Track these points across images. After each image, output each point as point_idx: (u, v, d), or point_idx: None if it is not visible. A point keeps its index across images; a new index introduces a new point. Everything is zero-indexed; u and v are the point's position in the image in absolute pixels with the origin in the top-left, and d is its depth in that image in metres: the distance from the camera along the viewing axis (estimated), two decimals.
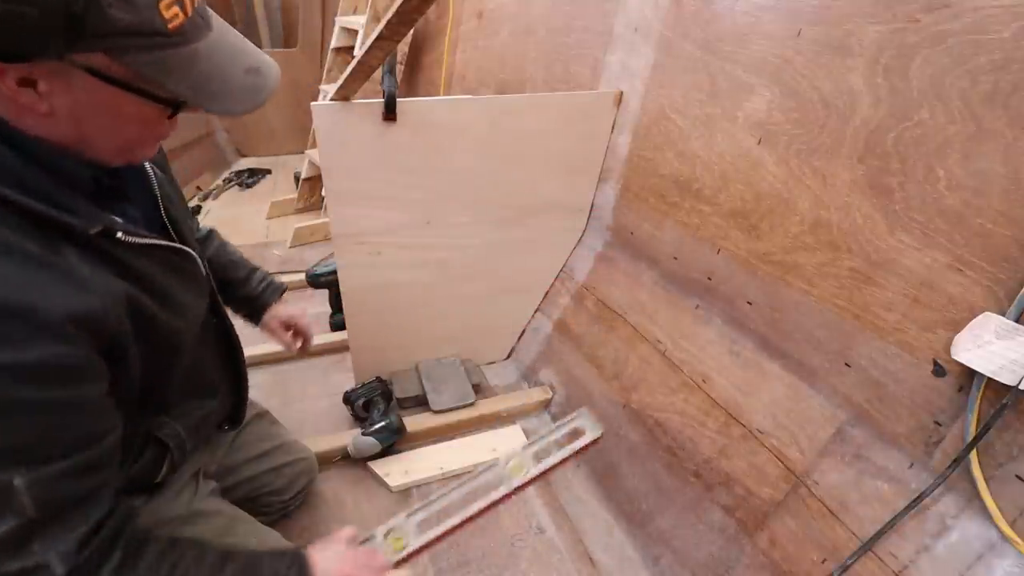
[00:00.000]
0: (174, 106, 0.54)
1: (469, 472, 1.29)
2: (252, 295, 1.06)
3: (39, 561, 0.50)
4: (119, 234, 0.56)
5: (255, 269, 1.08)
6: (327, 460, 1.31)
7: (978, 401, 0.71)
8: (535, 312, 1.67)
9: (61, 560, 0.51)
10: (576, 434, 1.33)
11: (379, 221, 1.26)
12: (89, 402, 0.53)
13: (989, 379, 0.68)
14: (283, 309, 1.09)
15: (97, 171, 0.58)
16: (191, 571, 0.61)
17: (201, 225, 1.03)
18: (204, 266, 0.77)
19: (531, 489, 1.30)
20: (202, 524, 0.82)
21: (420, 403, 1.49)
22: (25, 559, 0.49)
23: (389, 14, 0.85)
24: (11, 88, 0.46)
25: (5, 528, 0.47)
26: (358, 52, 1.56)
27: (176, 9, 0.48)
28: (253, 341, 1.74)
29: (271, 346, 1.68)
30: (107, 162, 0.57)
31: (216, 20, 0.56)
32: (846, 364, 0.90)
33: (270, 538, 0.90)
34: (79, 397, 0.52)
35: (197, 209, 2.81)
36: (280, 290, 1.09)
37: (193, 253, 0.71)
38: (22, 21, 0.41)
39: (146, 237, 0.61)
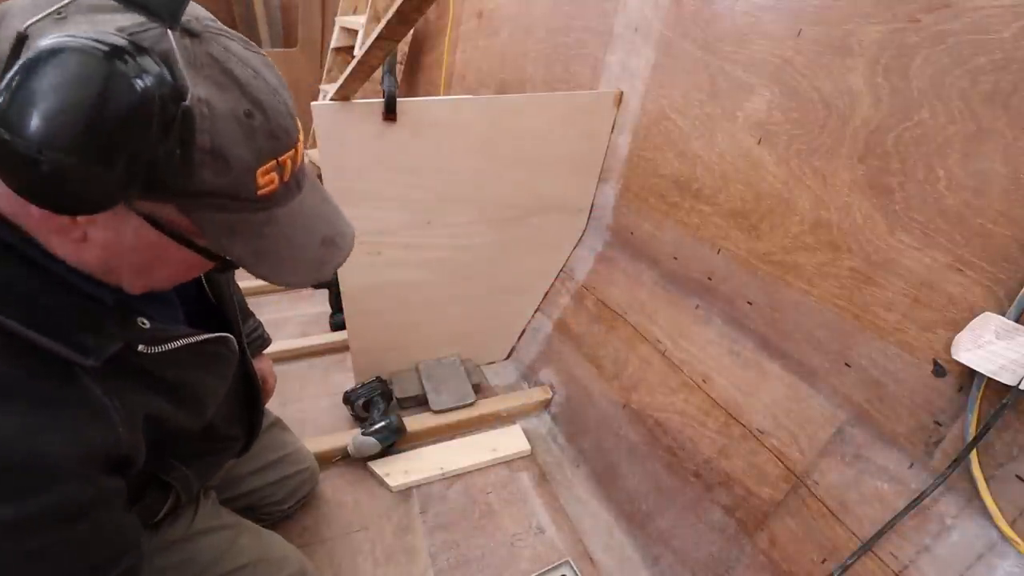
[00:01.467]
0: (225, 264, 0.49)
1: (469, 472, 1.29)
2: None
3: None
4: (140, 347, 0.51)
5: (249, 317, 1.01)
6: (327, 460, 1.31)
7: (978, 401, 0.71)
8: (535, 312, 1.67)
9: None
10: None
11: (379, 221, 1.26)
12: (107, 523, 0.50)
13: (989, 379, 0.68)
14: (257, 364, 0.98)
15: (121, 294, 0.50)
16: None
17: None
18: (240, 343, 0.70)
19: (531, 489, 1.30)
20: (202, 542, 0.80)
21: (420, 403, 1.49)
22: None
23: (389, 14, 0.85)
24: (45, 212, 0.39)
25: None
26: (358, 52, 1.56)
27: (273, 175, 0.43)
28: None
29: (271, 346, 1.68)
30: (143, 289, 0.51)
31: (309, 180, 0.50)
32: (846, 364, 0.90)
33: (274, 545, 0.90)
34: (105, 520, 0.49)
35: None
36: (263, 346, 1.03)
37: (232, 337, 0.65)
38: (92, 183, 0.35)
39: (174, 340, 0.55)
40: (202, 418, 0.65)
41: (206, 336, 0.60)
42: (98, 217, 0.41)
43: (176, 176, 0.38)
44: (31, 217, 0.42)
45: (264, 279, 0.48)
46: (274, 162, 0.43)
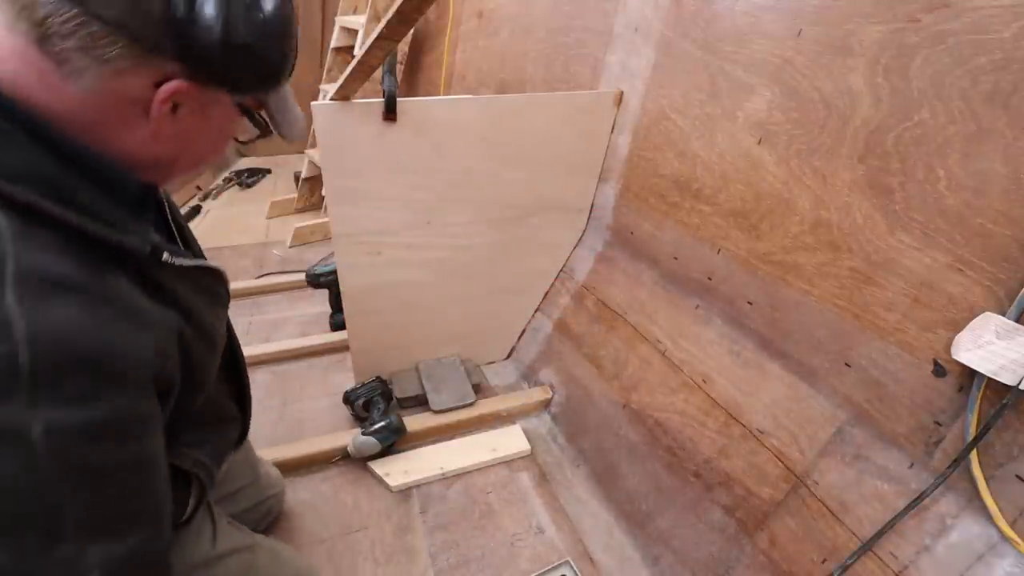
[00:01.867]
0: (267, 133, 0.59)
1: (469, 472, 1.29)
2: None
3: None
4: (165, 255, 0.51)
5: None
6: (327, 460, 1.31)
7: (978, 401, 0.71)
8: (535, 312, 1.67)
9: None
10: None
11: (379, 221, 1.26)
12: (157, 457, 0.48)
13: (989, 379, 0.68)
14: None
15: (147, 182, 0.51)
16: None
17: None
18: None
19: (531, 489, 1.30)
20: (219, 568, 0.78)
21: (420, 403, 1.49)
22: None
23: (389, 14, 0.85)
24: (160, 112, 0.45)
25: None
26: (358, 52, 1.56)
27: (294, 56, 0.54)
28: (253, 341, 1.74)
29: (271, 346, 1.68)
30: (170, 178, 0.55)
31: None
32: (846, 364, 0.90)
33: (290, 563, 0.90)
34: (151, 452, 0.46)
35: (197, 209, 2.81)
36: None
37: (224, 272, 0.67)
38: (276, 62, 0.51)
39: (187, 257, 0.56)
40: (215, 353, 0.64)
41: (210, 264, 0.63)
42: (196, 111, 0.49)
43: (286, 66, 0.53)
44: (121, 122, 0.45)
45: (284, 136, 0.60)
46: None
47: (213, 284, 0.65)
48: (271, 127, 0.58)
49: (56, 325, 0.38)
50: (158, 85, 0.44)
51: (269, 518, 1.13)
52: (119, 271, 0.45)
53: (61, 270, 0.40)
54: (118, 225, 0.45)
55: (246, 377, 0.87)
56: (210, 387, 0.65)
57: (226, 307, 0.71)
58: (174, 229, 0.65)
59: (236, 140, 0.59)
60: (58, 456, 0.38)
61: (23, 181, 0.40)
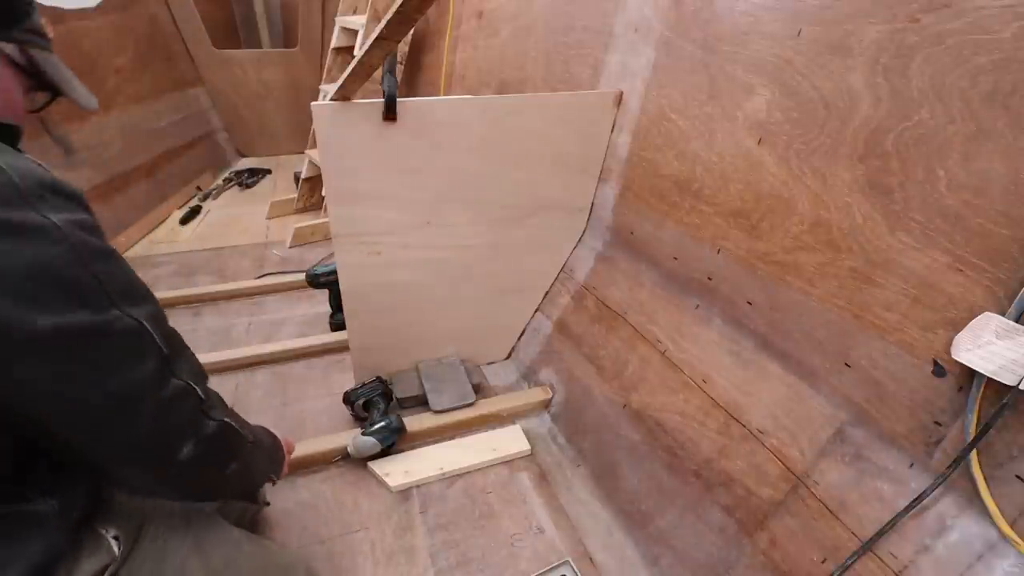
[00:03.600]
0: (53, 91, 0.70)
1: (469, 472, 1.29)
2: None
3: (181, 387, 0.59)
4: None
5: None
6: (327, 460, 1.31)
7: (978, 401, 0.71)
8: (535, 312, 1.67)
9: (193, 381, 0.61)
10: None
11: (379, 221, 1.26)
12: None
13: (989, 379, 0.68)
14: None
15: None
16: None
17: None
18: None
19: (531, 489, 1.30)
20: (206, 552, 0.77)
21: (420, 403, 1.49)
22: (172, 388, 0.58)
23: (389, 14, 0.85)
24: None
25: (152, 366, 0.56)
26: (358, 52, 1.56)
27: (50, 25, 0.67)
28: (253, 341, 1.74)
29: (271, 346, 1.68)
30: None
31: None
32: (846, 364, 0.90)
33: (277, 553, 0.89)
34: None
35: (197, 209, 2.81)
36: None
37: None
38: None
39: None
40: None
41: None
42: None
43: (26, 18, 0.62)
44: None
45: (76, 100, 0.72)
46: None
47: None
48: (58, 89, 0.69)
49: (24, 167, 0.52)
50: None
51: (249, 513, 1.10)
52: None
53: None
54: None
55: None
56: None
57: None
58: None
59: (32, 111, 0.69)
60: (76, 239, 0.52)
61: None
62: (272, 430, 0.94)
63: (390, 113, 1.12)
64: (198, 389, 0.62)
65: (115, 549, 0.65)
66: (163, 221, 2.67)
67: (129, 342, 0.55)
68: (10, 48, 0.62)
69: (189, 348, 0.67)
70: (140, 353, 0.56)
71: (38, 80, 0.66)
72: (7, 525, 0.56)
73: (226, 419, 0.67)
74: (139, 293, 0.58)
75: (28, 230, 0.48)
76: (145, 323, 0.56)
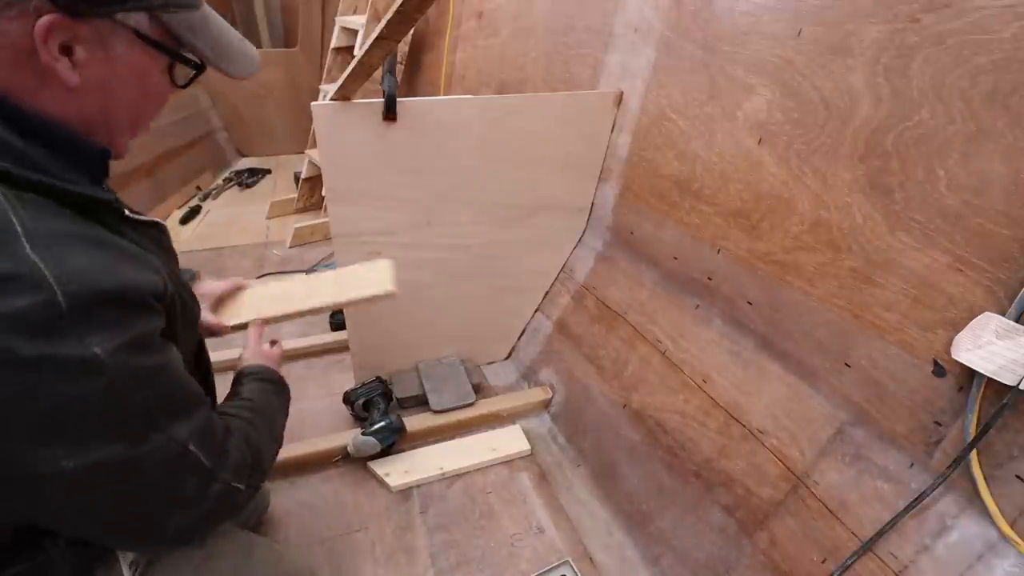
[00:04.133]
0: (197, 68, 0.56)
1: (469, 472, 1.29)
2: None
3: (221, 491, 0.55)
4: (125, 211, 0.54)
5: None
6: (327, 460, 1.31)
7: (978, 401, 0.71)
8: (535, 312, 1.67)
9: (236, 478, 0.57)
10: None
11: (379, 221, 1.26)
12: (179, 362, 0.55)
13: (989, 379, 0.68)
14: (209, 285, 0.93)
15: (104, 147, 0.54)
16: (257, 425, 0.66)
17: None
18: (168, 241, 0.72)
19: (531, 489, 1.30)
20: (217, 562, 0.76)
21: (420, 403, 1.49)
22: (212, 497, 0.54)
23: (389, 14, 0.85)
24: (51, 56, 0.44)
25: (193, 484, 0.52)
26: (358, 52, 1.56)
27: None
28: None
29: None
30: (116, 137, 0.55)
31: None
32: (846, 364, 0.90)
33: (286, 560, 0.89)
34: (176, 354, 0.54)
35: (197, 209, 2.80)
36: (191, 275, 0.93)
37: (166, 226, 0.68)
38: None
39: (138, 213, 0.58)
40: (193, 308, 0.66)
41: (156, 219, 0.63)
42: (90, 51, 0.46)
43: None
44: (32, 78, 0.45)
45: (224, 71, 0.57)
46: None
47: (160, 236, 0.66)
48: (204, 60, 0.55)
49: (76, 268, 0.42)
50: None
51: (256, 515, 1.12)
52: (98, 224, 0.49)
53: (60, 225, 0.45)
54: (85, 182, 0.49)
55: (212, 376, 0.84)
56: (195, 332, 0.69)
57: (176, 261, 0.72)
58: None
59: (175, 85, 0.56)
60: (120, 370, 0.44)
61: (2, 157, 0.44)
62: (266, 363, 0.82)
63: (390, 113, 1.12)
64: (240, 486, 0.57)
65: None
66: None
67: (169, 467, 0.50)
68: (136, 18, 0.48)
69: (239, 430, 0.62)
70: (180, 476, 0.51)
71: (176, 53, 0.53)
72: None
73: (265, 469, 0.64)
74: (189, 405, 0.53)
75: (62, 365, 0.41)
76: (190, 444, 0.51)
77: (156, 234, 0.64)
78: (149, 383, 0.47)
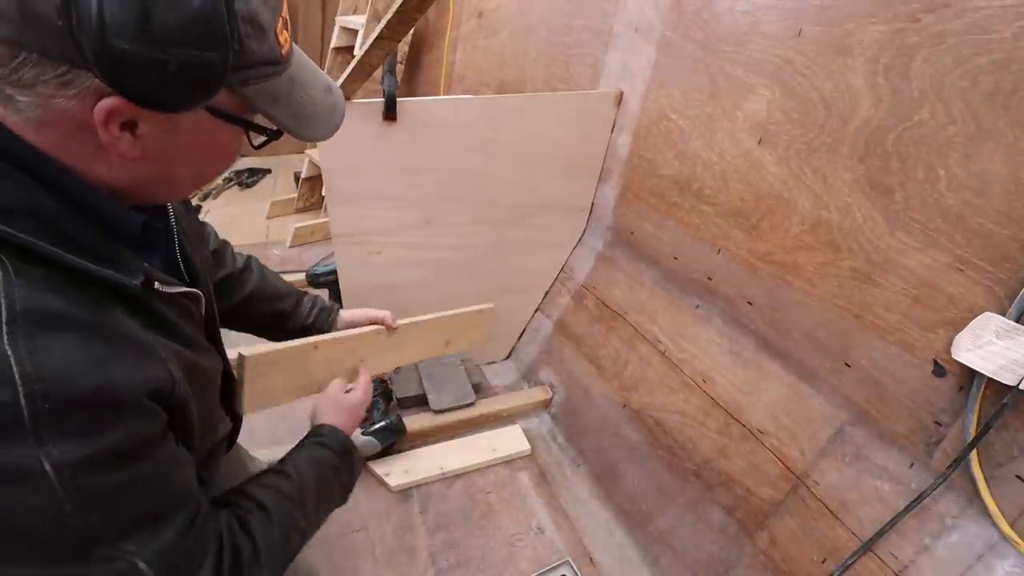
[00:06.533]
0: (272, 135, 0.50)
1: (469, 472, 1.29)
2: (305, 325, 0.96)
3: None
4: (156, 284, 0.49)
5: (302, 296, 0.97)
6: None
7: (978, 401, 0.71)
8: (535, 312, 1.67)
9: None
10: None
11: (379, 221, 1.26)
12: (168, 463, 0.49)
13: (989, 379, 0.68)
14: (349, 316, 0.97)
15: (146, 215, 0.49)
16: (289, 522, 0.60)
17: (237, 252, 0.92)
18: (207, 305, 0.67)
19: (531, 489, 1.30)
20: None
21: (420, 403, 1.49)
22: None
23: (389, 14, 0.85)
24: (111, 135, 0.39)
25: None
26: (358, 52, 1.56)
27: (286, 34, 0.44)
28: (253, 341, 1.74)
29: (270, 347, 1.68)
30: (177, 193, 0.52)
31: None
32: (846, 364, 0.90)
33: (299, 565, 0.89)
34: (165, 458, 0.47)
35: (197, 209, 2.80)
36: (333, 310, 0.98)
37: (201, 295, 0.62)
38: (204, 69, 0.37)
39: (175, 285, 0.53)
40: (213, 358, 0.61)
41: (192, 289, 0.57)
42: (154, 126, 0.41)
43: (235, 54, 0.39)
44: (88, 150, 0.41)
45: (303, 138, 0.52)
46: (281, 19, 0.44)
47: (188, 304, 0.61)
48: (283, 129, 0.49)
49: (53, 365, 0.38)
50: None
51: None
52: (114, 303, 0.45)
53: (56, 306, 0.40)
54: (112, 258, 0.44)
55: (235, 381, 0.83)
56: (214, 404, 0.64)
57: (216, 323, 0.68)
58: (179, 257, 0.62)
59: (251, 144, 0.51)
60: (73, 486, 0.39)
61: (18, 218, 0.39)
62: (340, 419, 0.78)
63: (390, 113, 1.12)
64: None
65: None
66: None
67: None
68: (219, 95, 0.41)
69: (249, 532, 0.55)
70: None
71: (252, 124, 0.47)
72: None
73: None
74: (158, 519, 0.46)
75: (9, 474, 0.37)
76: (140, 564, 0.44)
77: (188, 304, 0.58)
78: (101, 505, 0.41)
